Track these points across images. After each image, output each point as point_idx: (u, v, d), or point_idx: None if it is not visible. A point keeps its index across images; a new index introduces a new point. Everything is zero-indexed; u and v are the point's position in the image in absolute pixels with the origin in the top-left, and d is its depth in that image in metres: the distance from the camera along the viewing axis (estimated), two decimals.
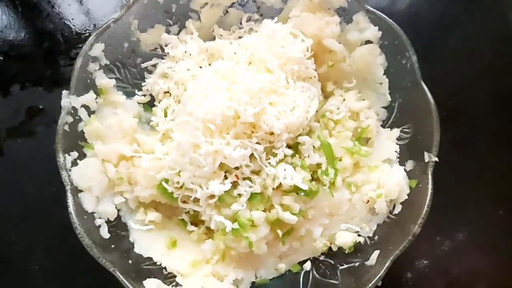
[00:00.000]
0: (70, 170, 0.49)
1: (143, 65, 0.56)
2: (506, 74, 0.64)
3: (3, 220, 0.60)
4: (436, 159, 0.49)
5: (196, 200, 0.49)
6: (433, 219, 0.49)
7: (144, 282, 0.47)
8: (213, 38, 0.58)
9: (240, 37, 0.58)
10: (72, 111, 0.50)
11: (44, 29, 0.65)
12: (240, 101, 0.47)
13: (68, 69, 0.63)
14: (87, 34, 0.64)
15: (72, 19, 0.65)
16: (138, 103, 0.56)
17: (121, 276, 0.45)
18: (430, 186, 0.48)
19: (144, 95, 0.57)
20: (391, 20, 0.51)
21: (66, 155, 0.49)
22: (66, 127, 0.49)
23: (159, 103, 0.57)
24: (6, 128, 0.62)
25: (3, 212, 0.60)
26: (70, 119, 0.49)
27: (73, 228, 0.48)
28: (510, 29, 0.65)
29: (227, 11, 0.57)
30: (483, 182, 0.57)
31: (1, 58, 0.64)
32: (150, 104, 0.57)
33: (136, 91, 0.57)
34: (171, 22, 0.56)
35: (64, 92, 0.49)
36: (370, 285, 0.47)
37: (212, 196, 0.48)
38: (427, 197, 0.48)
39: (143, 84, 0.57)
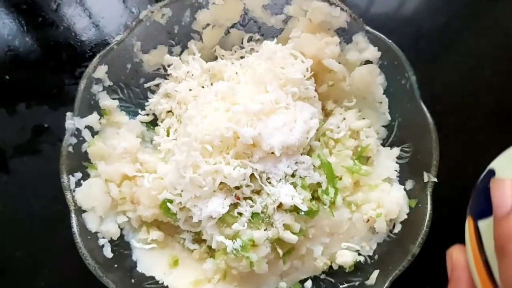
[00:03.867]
0: (74, 191, 0.49)
1: (146, 85, 0.57)
2: (507, 90, 0.64)
3: (9, 237, 0.61)
4: (435, 179, 0.49)
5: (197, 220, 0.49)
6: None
7: None
8: (215, 58, 0.59)
9: (241, 57, 0.59)
10: (76, 132, 0.50)
11: (49, 48, 0.66)
12: (239, 122, 0.47)
13: (72, 88, 0.64)
14: (91, 54, 0.65)
15: (76, 38, 0.66)
16: (141, 122, 0.57)
17: None
18: (429, 206, 0.49)
19: (147, 114, 0.58)
20: (390, 41, 0.52)
21: (70, 176, 0.50)
22: (70, 148, 0.50)
23: (161, 122, 0.57)
24: (12, 146, 0.63)
25: (10, 229, 0.61)
26: (74, 140, 0.50)
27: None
28: (510, 46, 0.65)
29: (228, 32, 0.58)
30: None
31: (7, 77, 0.65)
32: (153, 123, 0.58)
33: (139, 111, 0.57)
34: (174, 43, 0.57)
35: (68, 114, 0.50)
36: None
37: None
38: (426, 217, 0.48)
39: (146, 103, 0.58)
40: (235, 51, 0.59)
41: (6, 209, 0.62)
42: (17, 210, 0.61)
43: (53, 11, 0.67)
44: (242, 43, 0.59)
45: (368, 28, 0.52)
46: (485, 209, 0.35)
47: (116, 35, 0.64)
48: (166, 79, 0.58)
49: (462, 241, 0.49)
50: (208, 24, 0.57)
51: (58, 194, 0.52)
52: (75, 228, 0.48)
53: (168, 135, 0.56)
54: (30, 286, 0.59)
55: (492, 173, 0.38)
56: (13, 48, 0.67)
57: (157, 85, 0.58)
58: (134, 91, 0.57)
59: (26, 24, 0.68)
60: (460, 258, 0.38)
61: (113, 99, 0.54)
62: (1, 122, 0.64)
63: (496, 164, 0.39)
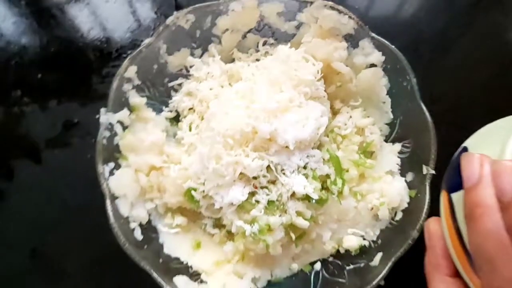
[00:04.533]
0: (108, 179, 0.53)
1: (170, 84, 0.61)
2: (501, 93, 0.67)
3: (42, 222, 0.63)
4: (433, 172, 0.52)
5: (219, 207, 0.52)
6: None
7: (174, 278, 0.51)
8: (233, 60, 0.62)
9: (257, 59, 0.62)
10: (109, 126, 0.54)
11: (78, 50, 0.70)
12: (257, 118, 0.51)
13: (99, 86, 0.68)
14: (117, 55, 0.68)
15: (103, 40, 0.70)
16: (166, 118, 0.60)
17: (154, 273, 0.50)
18: (427, 196, 0.52)
19: (171, 111, 0.61)
20: (393, 46, 0.55)
21: (105, 166, 0.53)
22: (104, 141, 0.53)
23: (184, 118, 0.61)
24: (44, 140, 0.66)
25: (42, 215, 0.64)
26: (107, 133, 0.54)
27: (108, 232, 0.51)
28: (505, 50, 0.69)
29: (245, 36, 0.61)
30: None
31: (40, 75, 0.68)
32: (176, 119, 0.61)
33: (164, 108, 0.61)
34: (195, 46, 0.60)
35: (102, 109, 0.54)
36: (373, 283, 0.51)
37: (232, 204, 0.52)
38: (425, 206, 0.52)
39: (170, 101, 0.61)
40: (251, 54, 0.63)
41: (39, 196, 0.64)
42: (49, 197, 0.64)
43: (82, 16, 0.71)
44: (257, 46, 0.62)
45: (373, 34, 0.56)
46: (458, 183, 0.36)
47: (139, 37, 0.69)
48: (188, 79, 0.61)
49: None
50: (227, 29, 0.60)
51: (87, 184, 0.56)
52: (110, 212, 0.51)
53: (190, 130, 0.59)
54: (62, 267, 0.62)
55: (465, 149, 0.41)
56: (45, 49, 0.70)
57: (180, 84, 0.61)
58: (159, 89, 0.60)
59: (56, 27, 0.71)
60: (436, 228, 0.40)
61: (141, 96, 0.57)
62: (34, 117, 0.67)
63: (469, 141, 0.42)
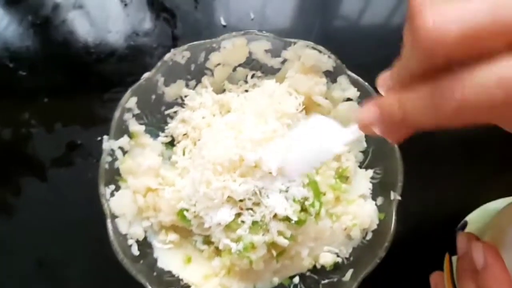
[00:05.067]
0: (109, 200, 0.58)
1: (166, 112, 0.65)
2: (468, 128, 0.72)
3: (46, 234, 0.68)
4: (399, 198, 0.57)
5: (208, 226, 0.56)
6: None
7: None
8: (224, 91, 0.67)
9: (246, 90, 0.66)
10: (111, 152, 0.59)
11: (80, 76, 0.75)
12: (244, 148, 0.55)
13: (101, 111, 0.72)
14: (117, 81, 0.73)
15: (102, 68, 0.75)
16: (162, 143, 0.65)
17: (149, 286, 0.55)
18: (393, 219, 0.57)
19: (166, 136, 0.65)
20: (367, 83, 0.61)
21: (106, 188, 0.58)
22: (106, 166, 0.58)
23: (178, 143, 0.65)
24: (50, 159, 0.71)
25: (47, 228, 0.68)
26: (109, 158, 0.58)
27: (108, 245, 0.55)
28: None
29: (235, 69, 0.66)
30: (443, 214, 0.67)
31: (46, 99, 0.73)
32: (171, 144, 0.66)
33: (160, 133, 0.65)
34: (190, 78, 0.65)
35: (105, 137, 0.58)
36: None
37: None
38: (391, 228, 0.57)
39: (166, 127, 0.65)
40: (241, 85, 0.67)
41: (44, 211, 0.68)
42: (54, 212, 0.68)
43: (85, 48, 0.76)
44: (246, 78, 0.67)
45: (349, 72, 0.61)
46: (455, 250, 0.50)
47: (138, 66, 0.74)
48: (183, 107, 0.66)
49: (422, 244, 0.60)
50: (219, 64, 0.64)
51: (88, 201, 0.59)
52: (110, 230, 0.56)
53: (184, 154, 0.63)
54: (64, 276, 0.66)
55: (466, 223, 0.53)
56: (52, 77, 0.75)
57: (175, 112, 0.65)
58: (156, 117, 0.64)
59: (63, 56, 0.76)
60: (439, 279, 0.56)
61: (140, 124, 0.62)
62: (41, 138, 0.71)
63: (469, 216, 0.55)
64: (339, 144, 0.45)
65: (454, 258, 0.54)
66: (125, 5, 0.78)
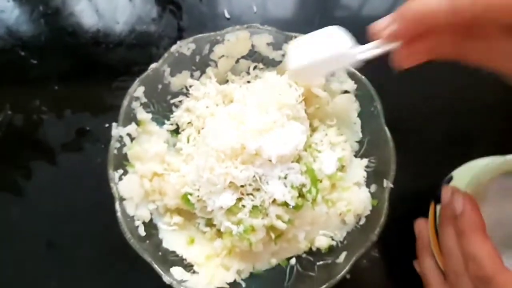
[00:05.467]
0: (117, 184, 0.60)
1: (171, 101, 0.68)
2: (458, 117, 0.75)
3: (56, 216, 0.70)
4: (391, 185, 0.60)
5: (211, 210, 0.59)
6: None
7: (171, 269, 0.59)
8: (227, 82, 0.69)
9: (248, 81, 0.69)
10: (119, 139, 0.61)
11: (90, 65, 0.77)
12: (246, 137, 0.57)
13: (109, 98, 0.75)
14: (124, 71, 0.76)
15: (112, 57, 0.78)
16: (167, 130, 0.68)
17: (154, 264, 0.57)
18: (385, 205, 0.60)
19: (172, 124, 0.68)
20: (363, 77, 0.63)
21: (115, 172, 0.60)
22: (115, 151, 0.61)
23: (183, 131, 0.67)
24: (60, 145, 0.73)
25: (57, 210, 0.71)
26: (118, 144, 0.61)
27: (115, 226, 0.58)
28: (459, 80, 0.76)
29: (238, 61, 0.68)
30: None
31: (56, 87, 0.76)
32: (176, 131, 0.68)
33: (166, 121, 0.68)
34: (195, 69, 0.67)
35: (114, 124, 0.61)
36: (338, 277, 0.58)
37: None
38: (383, 214, 0.59)
39: (171, 116, 0.68)
40: (243, 77, 0.69)
41: (54, 194, 0.71)
42: (63, 195, 0.71)
43: (93, 38, 0.79)
44: (249, 70, 0.69)
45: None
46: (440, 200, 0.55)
47: (145, 56, 0.77)
48: (188, 97, 0.68)
49: (409, 231, 0.63)
50: (222, 55, 0.67)
51: (97, 184, 0.62)
52: (119, 212, 0.58)
53: (188, 142, 0.66)
54: (74, 256, 0.69)
55: (451, 177, 0.60)
56: (62, 65, 0.77)
57: (181, 101, 0.68)
58: (162, 105, 0.67)
59: (72, 45, 0.78)
60: (423, 225, 0.62)
61: (147, 112, 0.64)
62: (51, 125, 0.74)
63: (455, 172, 0.60)
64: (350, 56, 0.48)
65: (438, 207, 0.57)
66: None
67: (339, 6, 0.81)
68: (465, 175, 0.58)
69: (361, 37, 0.76)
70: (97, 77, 0.77)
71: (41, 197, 0.72)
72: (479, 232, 0.48)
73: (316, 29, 0.75)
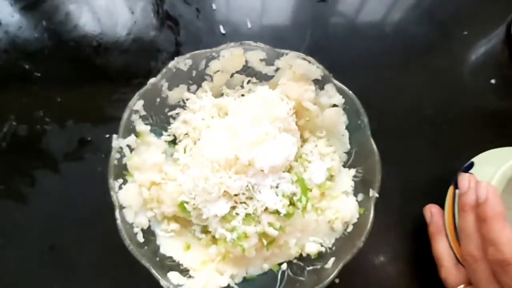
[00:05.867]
0: (117, 192, 0.62)
1: (169, 114, 0.70)
2: (444, 127, 0.78)
3: (58, 223, 0.73)
4: (377, 195, 0.63)
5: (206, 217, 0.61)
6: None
7: (168, 274, 0.61)
8: (222, 95, 0.72)
9: (242, 95, 0.71)
10: (119, 150, 0.64)
11: (91, 77, 0.80)
12: (239, 148, 0.60)
13: (109, 110, 0.77)
14: (124, 83, 0.78)
15: (111, 71, 0.80)
16: (165, 141, 0.70)
17: (152, 269, 0.59)
18: (372, 214, 0.62)
19: (169, 135, 0.70)
20: (351, 92, 0.66)
21: (115, 181, 0.62)
22: (115, 162, 0.63)
23: (180, 142, 0.70)
24: (62, 154, 0.76)
25: (59, 217, 0.73)
26: (118, 155, 0.63)
27: (114, 233, 0.60)
28: (444, 91, 0.80)
29: (233, 76, 0.71)
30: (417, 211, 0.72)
31: (59, 99, 0.78)
32: (173, 142, 0.70)
33: (164, 132, 0.70)
34: (191, 83, 0.70)
35: (114, 136, 0.63)
36: (326, 281, 0.60)
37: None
38: (369, 222, 0.62)
39: (169, 127, 0.70)
40: (237, 90, 0.72)
41: (57, 201, 0.74)
42: (65, 202, 0.73)
43: (95, 51, 0.81)
44: (242, 84, 0.72)
45: (335, 81, 0.66)
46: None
47: (144, 70, 0.79)
48: (184, 109, 0.70)
49: (395, 237, 0.66)
50: (218, 70, 0.69)
51: (98, 192, 0.64)
52: (118, 220, 0.60)
53: (185, 152, 0.68)
54: (75, 260, 0.71)
55: (472, 164, 0.63)
56: (65, 77, 0.80)
57: (178, 114, 0.70)
58: (160, 118, 0.69)
59: (74, 59, 0.81)
60: (436, 210, 0.67)
61: (146, 124, 0.67)
62: (54, 135, 0.76)
63: (476, 159, 0.64)
64: None
65: (457, 192, 0.61)
66: (132, 12, 0.83)
67: (331, 20, 0.85)
68: (487, 163, 0.61)
69: (352, 50, 0.82)
70: (98, 89, 0.80)
71: (44, 204, 0.75)
72: (500, 220, 0.52)
73: (306, 46, 0.80)
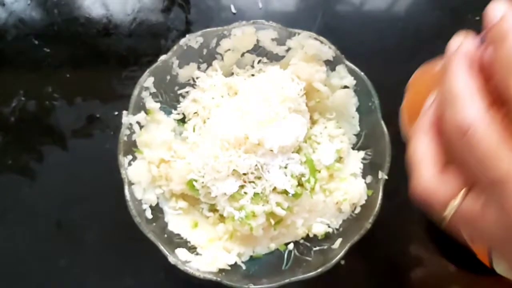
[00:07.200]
0: (126, 169, 0.63)
1: (179, 92, 0.70)
2: None
3: (66, 198, 0.73)
4: (386, 177, 0.63)
5: (214, 196, 0.62)
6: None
7: (176, 250, 0.62)
8: (232, 74, 0.71)
9: (252, 75, 0.71)
10: (129, 126, 0.64)
11: (101, 55, 0.80)
12: (249, 127, 0.60)
13: (118, 87, 0.77)
14: (134, 61, 0.78)
15: (122, 48, 0.80)
16: (174, 119, 0.70)
17: (160, 245, 0.60)
18: (380, 196, 0.62)
19: (179, 114, 0.71)
20: (362, 73, 0.66)
21: (125, 158, 0.63)
22: (125, 138, 0.63)
23: (189, 121, 0.70)
24: (70, 130, 0.76)
25: (67, 193, 0.73)
26: (127, 132, 0.63)
27: (122, 209, 0.61)
28: None
29: (243, 55, 0.70)
30: None
31: (68, 75, 0.78)
32: (182, 121, 0.71)
33: (173, 111, 0.70)
34: (202, 61, 0.70)
35: (124, 112, 0.63)
36: (333, 261, 0.60)
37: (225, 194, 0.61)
38: (377, 203, 0.62)
39: (178, 106, 0.70)
40: (248, 70, 0.71)
41: (64, 177, 0.74)
42: (73, 179, 0.74)
43: (105, 28, 0.81)
44: (253, 64, 0.71)
45: (347, 62, 0.66)
46: None
47: (153, 48, 0.79)
48: (194, 88, 0.70)
49: (408, 221, 0.66)
50: (228, 49, 0.69)
51: (105, 169, 0.65)
52: (127, 195, 0.61)
53: (194, 131, 0.68)
54: (82, 236, 0.72)
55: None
56: (73, 54, 0.80)
57: (187, 92, 0.70)
58: (170, 96, 0.69)
59: (84, 35, 0.81)
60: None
61: (156, 102, 0.67)
62: (63, 111, 0.77)
63: None
64: None
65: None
66: None
67: (342, 1, 0.84)
68: None
69: (363, 33, 0.81)
70: (107, 66, 0.80)
71: (51, 180, 0.75)
72: None
73: (317, 27, 0.79)
